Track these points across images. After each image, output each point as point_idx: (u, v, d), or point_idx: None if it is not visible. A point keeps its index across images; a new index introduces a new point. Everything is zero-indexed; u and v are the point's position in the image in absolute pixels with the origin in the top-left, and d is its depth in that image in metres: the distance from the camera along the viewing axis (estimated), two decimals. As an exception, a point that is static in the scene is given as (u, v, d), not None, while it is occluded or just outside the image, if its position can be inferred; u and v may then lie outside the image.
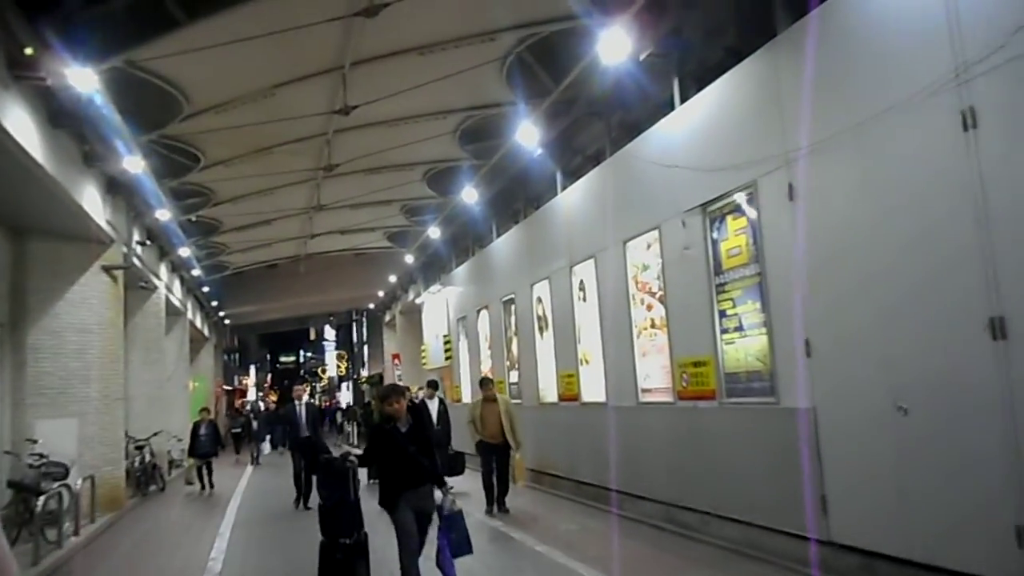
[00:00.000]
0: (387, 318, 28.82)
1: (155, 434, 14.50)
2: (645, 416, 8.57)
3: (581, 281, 10.33)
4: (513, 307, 13.12)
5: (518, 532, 8.15)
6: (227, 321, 31.16)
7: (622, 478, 8.95)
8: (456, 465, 10.85)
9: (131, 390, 15.84)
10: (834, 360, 5.70)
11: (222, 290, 26.83)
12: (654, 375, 8.40)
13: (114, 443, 11.89)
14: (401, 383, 26.78)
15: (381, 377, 32.71)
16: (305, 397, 11.71)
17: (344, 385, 52.98)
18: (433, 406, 11.51)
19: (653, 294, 8.46)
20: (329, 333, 59.28)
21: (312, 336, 71.27)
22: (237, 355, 54.12)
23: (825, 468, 5.75)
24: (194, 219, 14.79)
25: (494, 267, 14.28)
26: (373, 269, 25.78)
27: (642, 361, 8.71)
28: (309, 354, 78.67)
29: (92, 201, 10.71)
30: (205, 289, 22.38)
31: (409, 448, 5.14)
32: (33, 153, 8.10)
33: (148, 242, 13.72)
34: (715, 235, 7.31)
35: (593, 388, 9.97)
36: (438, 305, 18.59)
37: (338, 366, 54.31)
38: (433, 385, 12.30)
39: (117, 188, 11.62)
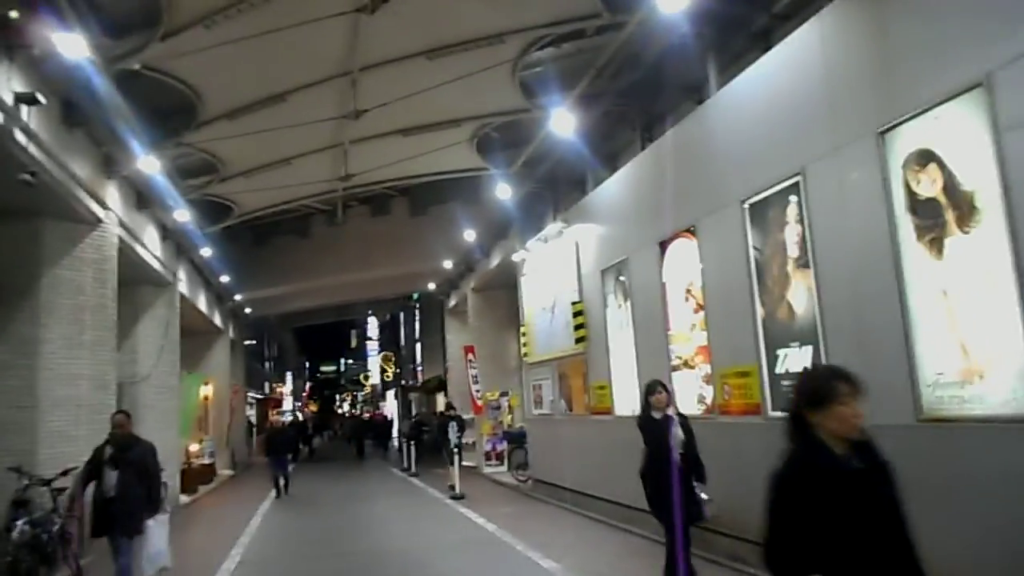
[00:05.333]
0: (452, 302, 21.90)
1: (64, 472, 7.69)
2: None
3: None
4: (797, 203, 5.94)
5: None
6: (248, 310, 24.62)
7: None
8: None
9: (42, 392, 9.13)
10: None
11: (240, 267, 20.33)
12: None
13: None
14: (478, 390, 19.67)
15: (441, 381, 25.85)
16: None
17: (390, 393, 46.24)
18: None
19: None
20: (372, 331, 52.80)
21: (353, 344, 65.44)
22: (271, 361, 48.10)
23: None
24: (139, 68, 7.94)
25: (717, 146, 7.14)
26: (436, 231, 18.90)
27: None
28: (350, 361, 73.13)
29: None
30: (204, 252, 15.69)
31: None
32: None
33: (40, 99, 6.96)
34: None
35: None
36: (557, 257, 11.54)
37: (383, 370, 47.57)
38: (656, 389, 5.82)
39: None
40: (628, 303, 9.12)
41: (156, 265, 13.42)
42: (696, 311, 7.55)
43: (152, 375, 14.19)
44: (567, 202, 11.48)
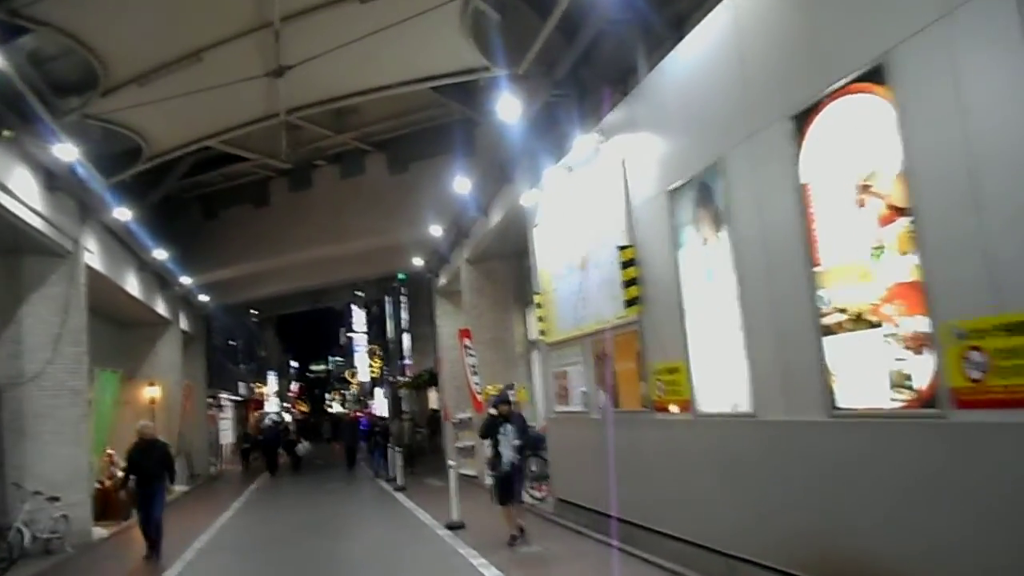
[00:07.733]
0: (443, 280, 18.40)
1: None
2: None
3: None
4: None
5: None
6: (205, 297, 21.06)
7: None
8: None
9: None
10: None
11: (189, 244, 17.07)
12: None
13: None
14: (477, 383, 16.09)
15: (432, 375, 22.42)
16: None
17: (378, 391, 42.72)
18: None
19: None
20: (358, 324, 49.13)
21: (342, 340, 62.13)
22: (250, 360, 44.32)
23: None
24: None
25: None
26: (420, 192, 15.57)
27: None
28: (338, 358, 69.87)
29: None
30: (120, 213, 12.10)
31: None
32: None
33: None
34: None
35: None
36: (591, 188, 8.10)
37: (370, 365, 43.95)
38: None
39: None
40: (723, 233, 5.68)
41: (39, 224, 9.86)
42: (885, 222, 4.12)
43: (45, 373, 10.67)
44: (603, 109, 8.04)
